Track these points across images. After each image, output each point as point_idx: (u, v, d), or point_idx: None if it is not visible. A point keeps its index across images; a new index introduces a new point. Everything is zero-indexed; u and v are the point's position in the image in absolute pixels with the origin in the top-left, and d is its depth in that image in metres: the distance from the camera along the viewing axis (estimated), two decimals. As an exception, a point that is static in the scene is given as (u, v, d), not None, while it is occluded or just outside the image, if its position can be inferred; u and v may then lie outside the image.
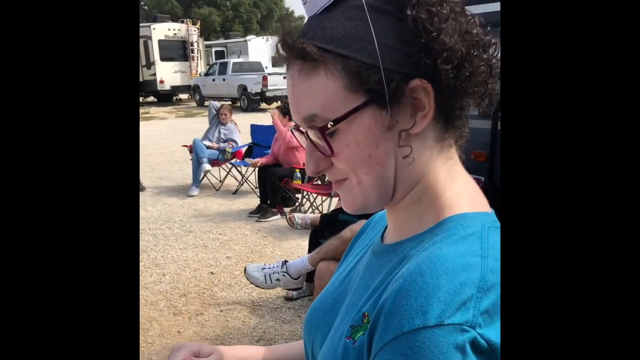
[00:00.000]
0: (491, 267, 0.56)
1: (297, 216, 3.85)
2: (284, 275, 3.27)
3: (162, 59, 21.30)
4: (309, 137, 0.64)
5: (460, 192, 0.66)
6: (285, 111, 5.84)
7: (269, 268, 3.31)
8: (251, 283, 3.36)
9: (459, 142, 0.68)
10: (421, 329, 0.52)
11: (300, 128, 0.66)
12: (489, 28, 0.63)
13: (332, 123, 0.61)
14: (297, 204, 5.80)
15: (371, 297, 0.64)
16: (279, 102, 12.55)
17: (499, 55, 0.62)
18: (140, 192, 7.02)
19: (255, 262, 3.97)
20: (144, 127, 13.87)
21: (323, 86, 0.60)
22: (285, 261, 3.35)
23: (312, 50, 0.59)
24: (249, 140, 7.13)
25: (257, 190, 6.20)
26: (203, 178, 6.97)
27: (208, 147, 6.91)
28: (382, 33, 0.58)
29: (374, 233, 0.81)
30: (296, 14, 43.81)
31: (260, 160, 6.02)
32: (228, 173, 7.08)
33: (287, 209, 5.86)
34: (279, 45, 0.62)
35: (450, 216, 0.63)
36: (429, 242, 0.62)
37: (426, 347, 0.52)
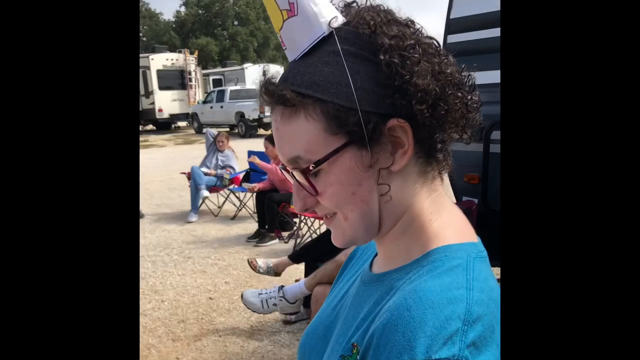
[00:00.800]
0: (476, 299, 0.58)
1: (260, 261, 3.85)
2: (280, 300, 3.29)
3: (161, 88, 21.55)
4: (294, 177, 0.67)
5: (446, 223, 0.68)
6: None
7: (266, 293, 3.33)
8: (248, 309, 3.37)
9: (442, 174, 0.70)
10: None
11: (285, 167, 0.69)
12: (463, 66, 0.66)
13: (314, 165, 0.63)
14: (295, 228, 5.81)
15: (360, 327, 0.66)
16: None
17: (476, 91, 0.65)
18: (140, 219, 7.04)
19: (253, 288, 3.98)
20: (143, 155, 13.92)
21: (304, 129, 0.63)
22: (282, 286, 3.37)
23: (291, 96, 0.62)
24: (246, 166, 7.18)
25: (255, 215, 6.22)
26: (201, 204, 7.00)
27: (206, 174, 6.95)
28: (358, 77, 0.61)
29: (363, 259, 0.84)
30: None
31: (257, 186, 6.06)
32: (226, 199, 7.12)
33: (285, 233, 5.88)
34: (261, 91, 0.65)
35: (436, 248, 0.65)
36: (415, 274, 0.64)
37: None
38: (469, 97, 0.65)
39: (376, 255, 0.77)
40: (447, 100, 0.62)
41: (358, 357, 0.61)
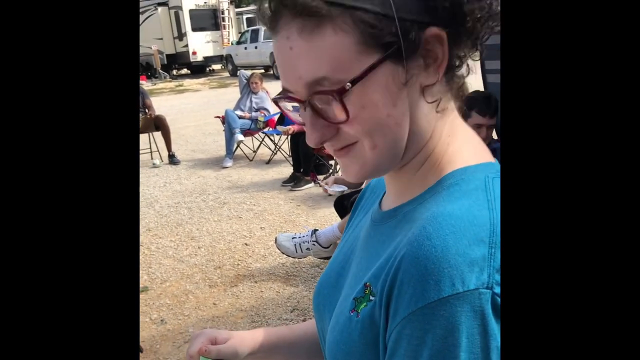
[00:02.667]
0: (500, 219, 0.52)
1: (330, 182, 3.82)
2: (314, 244, 3.26)
3: (194, 29, 21.24)
4: (311, 105, 0.57)
5: (461, 145, 0.62)
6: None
7: (299, 237, 3.30)
8: (282, 253, 3.36)
9: (460, 93, 0.63)
10: (437, 302, 0.50)
11: (294, 96, 0.58)
12: None
13: (349, 84, 0.54)
14: (330, 170, 5.75)
15: (372, 267, 0.61)
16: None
17: None
18: (175, 166, 7.11)
19: (287, 232, 3.96)
20: (178, 100, 13.99)
21: (332, 44, 0.53)
22: (315, 230, 3.32)
23: (318, 5, 0.52)
24: (280, 108, 7.07)
25: (291, 159, 6.17)
26: (236, 149, 6.98)
27: (240, 117, 6.89)
28: None
29: (372, 199, 0.77)
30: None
31: (292, 128, 5.95)
32: (261, 143, 7.07)
33: (320, 176, 5.82)
34: (272, 2, 0.55)
35: (450, 172, 0.60)
36: (430, 202, 0.58)
37: (444, 319, 0.49)
38: (496, 3, 0.56)
39: (384, 194, 0.71)
40: (483, 8, 0.55)
41: (378, 297, 0.57)
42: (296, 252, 3.33)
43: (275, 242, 3.35)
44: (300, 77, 0.56)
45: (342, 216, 3.47)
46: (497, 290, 0.50)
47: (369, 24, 0.52)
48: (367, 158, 0.59)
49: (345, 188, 3.42)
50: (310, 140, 0.60)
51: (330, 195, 3.99)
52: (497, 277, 0.50)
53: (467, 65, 0.61)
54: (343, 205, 3.43)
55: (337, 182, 3.58)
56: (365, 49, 0.53)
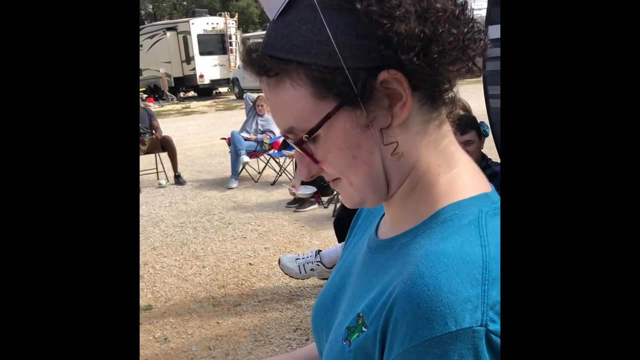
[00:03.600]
0: (493, 256, 0.53)
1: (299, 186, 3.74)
2: (317, 264, 3.27)
3: (202, 53, 21.50)
4: (296, 146, 0.63)
5: (456, 175, 0.63)
6: None
7: (303, 258, 3.31)
8: (286, 274, 3.37)
9: (451, 115, 0.64)
10: (430, 341, 0.50)
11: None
12: None
13: (306, 135, 0.59)
14: (334, 192, 5.77)
15: (366, 297, 0.62)
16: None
17: (480, 13, 0.58)
18: (181, 186, 7.15)
19: (290, 253, 3.98)
20: (185, 122, 14.11)
21: (292, 98, 0.58)
22: (319, 251, 3.34)
23: (272, 65, 0.57)
24: (285, 130, 7.13)
25: (295, 181, 6.21)
26: (242, 170, 7.02)
27: (246, 139, 6.95)
28: (338, 32, 0.55)
29: (369, 219, 0.79)
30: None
31: (297, 151, 6.01)
32: (266, 164, 7.12)
33: (324, 198, 5.85)
34: (243, 63, 0.61)
35: (444, 206, 0.60)
36: (424, 237, 0.59)
37: (438, 357, 0.50)
38: (466, 30, 0.57)
39: (381, 220, 0.72)
40: (440, 40, 0.55)
41: (364, 329, 0.58)
42: (300, 273, 3.33)
43: (279, 263, 3.37)
44: (279, 124, 0.62)
45: (340, 239, 3.49)
46: (492, 327, 0.50)
47: (320, 77, 0.56)
48: (350, 192, 0.64)
49: (314, 189, 3.39)
50: (301, 175, 0.66)
51: (301, 198, 3.87)
52: (492, 314, 0.50)
53: (454, 88, 0.61)
54: (344, 231, 3.43)
55: (304, 183, 3.53)
56: (321, 100, 0.57)
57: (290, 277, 3.43)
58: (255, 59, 0.59)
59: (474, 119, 2.79)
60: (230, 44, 22.23)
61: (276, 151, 6.96)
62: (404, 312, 0.52)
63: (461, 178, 0.63)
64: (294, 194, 3.49)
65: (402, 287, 0.54)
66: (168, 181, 7.36)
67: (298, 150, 0.63)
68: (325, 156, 0.61)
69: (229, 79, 22.18)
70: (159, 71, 21.24)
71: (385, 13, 0.53)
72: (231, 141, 6.96)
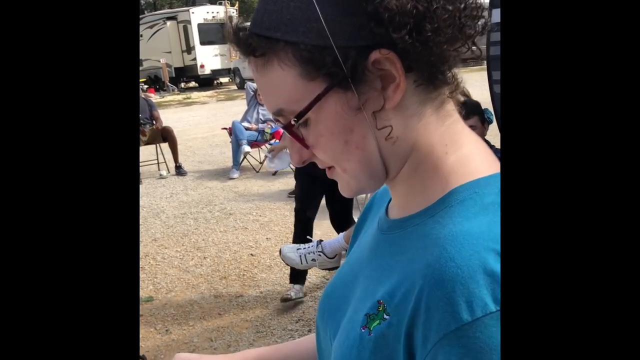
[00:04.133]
0: None
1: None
2: (319, 255, 3.22)
3: (202, 42, 21.40)
4: (285, 129, 0.60)
5: (466, 155, 0.60)
6: None
7: (305, 248, 3.27)
8: (287, 264, 3.34)
9: (455, 94, 0.61)
10: (470, 323, 0.48)
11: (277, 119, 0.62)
12: None
13: (295, 119, 0.57)
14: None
15: (384, 283, 0.59)
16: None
17: None
18: (182, 177, 7.12)
19: (291, 244, 3.95)
20: (186, 113, 14.07)
21: (280, 79, 0.56)
22: (320, 241, 3.30)
23: (258, 44, 0.55)
24: (287, 120, 7.11)
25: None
26: (243, 160, 7.00)
27: (247, 129, 6.92)
28: (327, 8, 0.52)
29: (379, 208, 0.76)
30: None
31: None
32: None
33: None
34: (230, 42, 0.59)
35: (461, 185, 0.57)
36: (443, 217, 0.56)
37: (481, 341, 0.47)
38: (463, 5, 0.54)
39: (390, 200, 0.69)
40: (434, 16, 0.52)
41: (385, 316, 0.56)
42: (301, 263, 3.29)
43: (280, 253, 3.33)
44: (268, 106, 0.60)
45: (339, 231, 3.46)
46: None
47: (308, 56, 0.54)
48: (346, 179, 0.62)
49: (288, 161, 3.25)
50: (293, 160, 0.63)
51: (275, 172, 3.65)
52: None
53: (455, 66, 0.58)
54: (303, 222, 3.42)
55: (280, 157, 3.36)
56: (311, 81, 0.55)
57: (291, 267, 3.40)
58: (241, 38, 0.57)
59: (477, 104, 2.74)
60: (231, 33, 22.10)
61: (277, 141, 6.92)
62: (437, 298, 0.50)
63: (473, 157, 0.60)
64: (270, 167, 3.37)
65: (430, 272, 0.52)
66: (169, 172, 7.33)
67: (288, 134, 0.60)
68: (317, 141, 0.59)
69: (230, 68, 22.07)
70: (159, 61, 21.16)
71: None
72: (232, 131, 6.92)
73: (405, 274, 0.56)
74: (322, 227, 4.80)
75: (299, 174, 3.53)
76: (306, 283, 3.71)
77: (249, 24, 0.58)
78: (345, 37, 0.53)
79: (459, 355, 0.48)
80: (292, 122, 0.57)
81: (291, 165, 3.25)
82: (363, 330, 0.59)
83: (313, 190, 3.45)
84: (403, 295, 0.54)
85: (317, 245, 3.27)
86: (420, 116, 0.58)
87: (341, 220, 3.39)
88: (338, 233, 3.34)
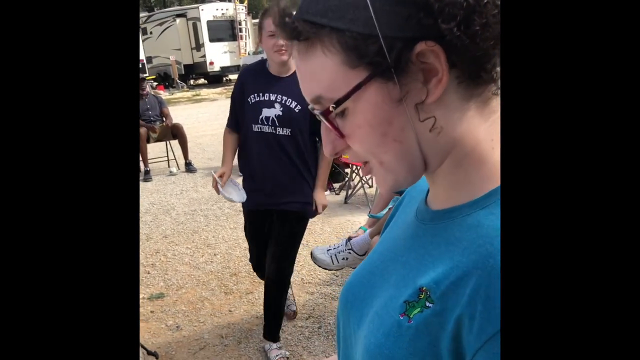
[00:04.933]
0: None
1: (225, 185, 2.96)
2: (349, 252, 3.20)
3: (211, 39, 21.44)
4: (322, 117, 0.60)
5: None
6: None
7: (334, 248, 3.24)
8: (319, 266, 3.27)
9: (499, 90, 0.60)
10: None
11: (312, 107, 0.61)
12: None
13: (334, 105, 0.56)
14: (346, 179, 5.74)
15: (428, 271, 0.58)
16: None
17: None
18: (192, 174, 7.14)
19: (320, 245, 3.92)
20: (195, 109, 14.11)
21: (322, 65, 0.56)
22: (350, 238, 3.27)
23: (304, 29, 0.55)
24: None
25: (306, 167, 6.18)
26: (252, 157, 7.01)
27: (256, 126, 6.92)
28: None
29: (417, 198, 0.75)
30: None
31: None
32: (277, 151, 7.10)
33: (336, 185, 5.82)
34: (276, 25, 0.58)
35: None
36: (495, 208, 0.55)
37: None
38: None
39: (428, 192, 0.68)
40: (484, 11, 0.51)
41: (428, 304, 0.55)
42: (333, 263, 3.25)
43: (311, 256, 3.27)
44: (306, 94, 0.59)
45: (252, 245, 3.25)
46: None
47: (353, 44, 0.53)
48: (382, 174, 0.61)
49: (244, 198, 2.73)
50: (325, 150, 0.62)
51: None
52: None
53: (496, 72, 0.57)
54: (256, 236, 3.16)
55: (234, 185, 2.86)
56: (352, 69, 0.55)
57: (324, 269, 3.33)
58: (287, 23, 0.56)
59: None
60: (240, 30, 22.14)
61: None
62: (497, 290, 0.48)
63: None
64: (217, 188, 2.87)
65: (491, 262, 0.51)
66: (179, 169, 7.36)
67: (324, 121, 0.59)
68: (354, 132, 0.58)
69: (239, 65, 22.07)
70: (168, 59, 21.24)
71: None
72: (241, 128, 6.93)
73: (455, 263, 0.55)
74: (332, 224, 4.81)
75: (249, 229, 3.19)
76: (315, 280, 3.71)
77: (292, 6, 0.58)
78: (392, 27, 0.52)
79: None
80: (331, 109, 0.56)
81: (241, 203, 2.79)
82: (401, 318, 0.58)
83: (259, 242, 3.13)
84: (452, 284, 0.54)
85: (346, 243, 3.24)
86: (463, 111, 0.57)
87: (278, 262, 3.08)
88: (271, 277, 3.05)
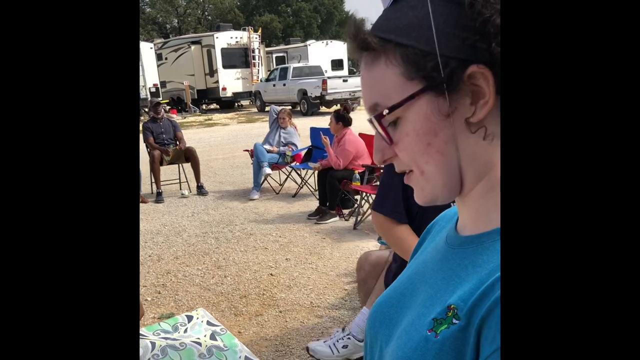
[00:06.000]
0: None
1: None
2: (348, 338, 3.11)
3: (225, 66, 21.84)
4: (374, 125, 0.66)
5: None
6: (339, 117, 5.83)
7: (331, 339, 3.14)
8: None
9: None
10: None
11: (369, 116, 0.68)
12: None
13: (387, 110, 0.62)
14: (355, 205, 5.78)
15: (456, 290, 0.61)
16: (338, 105, 12.51)
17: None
18: (203, 197, 7.21)
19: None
20: (207, 134, 14.26)
21: (383, 75, 0.62)
22: (343, 328, 3.12)
23: (372, 41, 0.62)
24: (308, 143, 7.19)
25: (317, 193, 6.23)
26: (264, 182, 7.08)
27: (268, 151, 7.01)
28: (440, 19, 0.58)
29: (443, 231, 0.79)
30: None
31: (321, 163, 6.05)
32: (288, 176, 7.17)
33: (345, 211, 5.87)
34: (348, 36, 0.65)
35: None
36: None
37: None
38: None
39: (458, 220, 0.72)
40: None
41: (455, 321, 0.58)
42: (333, 353, 3.15)
43: (308, 351, 3.11)
44: (365, 101, 0.66)
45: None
46: None
47: (413, 59, 0.59)
48: (422, 184, 0.65)
49: None
50: (375, 158, 0.68)
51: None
52: None
53: None
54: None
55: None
56: (409, 80, 0.60)
57: None
58: (358, 36, 0.63)
59: None
60: (254, 57, 22.50)
61: (298, 163, 7.01)
62: None
63: None
64: None
65: None
66: (190, 191, 7.44)
67: (377, 127, 0.64)
68: (402, 139, 0.63)
69: (251, 91, 22.41)
70: (182, 83, 21.56)
71: (489, 4, 0.56)
72: (254, 153, 7.02)
73: (481, 281, 0.58)
74: (341, 249, 4.84)
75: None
76: (324, 303, 3.74)
77: (364, 26, 0.64)
78: (449, 48, 0.58)
79: None
80: (384, 113, 0.62)
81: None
82: (429, 333, 0.60)
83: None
84: (477, 300, 0.56)
85: (342, 331, 3.11)
86: (499, 137, 0.60)
87: None
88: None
